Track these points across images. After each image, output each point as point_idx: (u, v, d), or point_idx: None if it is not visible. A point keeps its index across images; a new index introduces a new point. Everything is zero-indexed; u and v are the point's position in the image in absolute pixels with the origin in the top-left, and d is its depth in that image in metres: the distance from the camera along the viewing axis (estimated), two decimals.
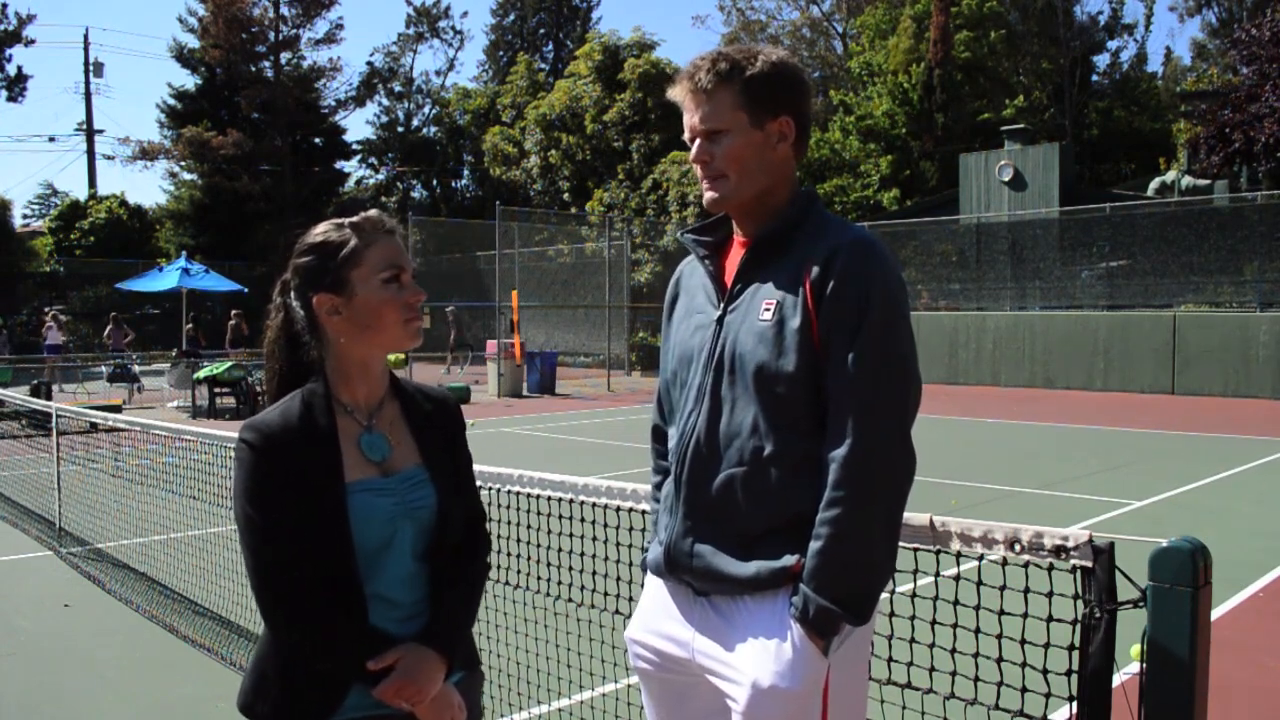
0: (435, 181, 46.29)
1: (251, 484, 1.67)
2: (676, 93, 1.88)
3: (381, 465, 1.76)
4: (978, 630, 2.04)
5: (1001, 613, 2.02)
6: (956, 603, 2.11)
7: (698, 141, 1.86)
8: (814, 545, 1.70)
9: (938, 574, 2.15)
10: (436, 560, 1.79)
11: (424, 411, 1.86)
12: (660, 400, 2.07)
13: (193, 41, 38.39)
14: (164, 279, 19.84)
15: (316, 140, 41.16)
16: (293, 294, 1.80)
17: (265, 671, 1.73)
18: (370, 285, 1.73)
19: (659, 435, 2.06)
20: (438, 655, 1.71)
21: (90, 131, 42.60)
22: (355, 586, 1.69)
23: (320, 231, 1.80)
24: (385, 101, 46.52)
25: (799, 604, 1.70)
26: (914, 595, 2.20)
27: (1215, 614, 4.72)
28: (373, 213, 1.81)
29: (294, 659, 1.70)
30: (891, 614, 2.17)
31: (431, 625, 1.75)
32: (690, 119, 1.86)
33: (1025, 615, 1.94)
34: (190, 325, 20.45)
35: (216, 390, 15.97)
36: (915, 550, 2.01)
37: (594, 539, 2.87)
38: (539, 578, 3.15)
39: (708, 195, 1.87)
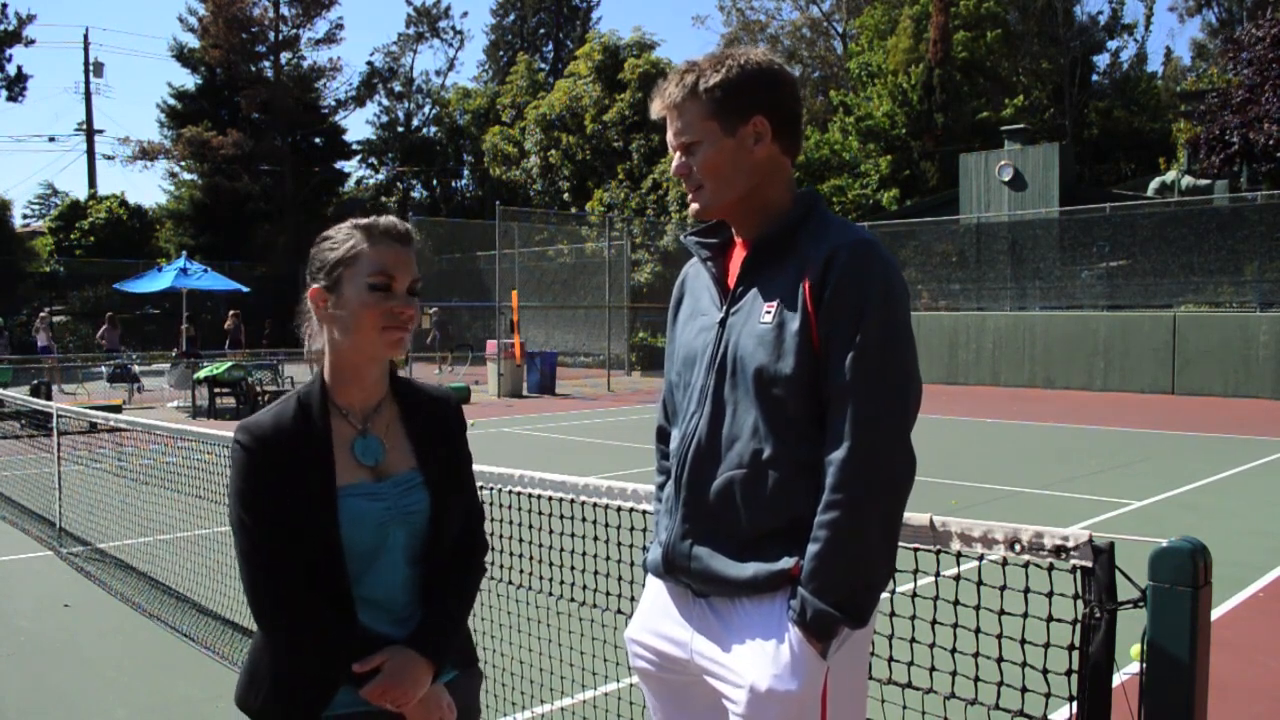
0: (435, 181, 46.29)
1: (243, 485, 1.68)
2: (655, 109, 1.89)
3: (374, 469, 1.76)
4: (978, 630, 2.04)
5: (1001, 613, 2.02)
6: (956, 603, 2.11)
7: (678, 154, 1.87)
8: (812, 548, 1.70)
9: (938, 574, 2.15)
10: (431, 563, 1.80)
11: (423, 413, 1.86)
12: (665, 402, 2.07)
13: (193, 41, 38.43)
14: (161, 279, 19.80)
15: (316, 140, 41.17)
16: (305, 286, 1.82)
17: (258, 667, 1.76)
18: (356, 287, 1.73)
19: (663, 436, 2.06)
20: (424, 659, 1.72)
21: (90, 131, 42.58)
22: (344, 590, 1.70)
23: (335, 228, 1.81)
24: (385, 101, 46.56)
25: (797, 607, 1.70)
26: (914, 595, 2.20)
27: (1215, 614, 4.72)
28: (387, 218, 1.80)
29: (285, 656, 1.72)
30: (891, 614, 2.17)
31: (420, 628, 1.76)
32: (668, 133, 1.88)
33: (1025, 615, 1.94)
34: (186, 325, 20.40)
35: (216, 390, 15.97)
36: (915, 550, 2.01)
37: (595, 539, 2.87)
38: (541, 578, 3.15)
39: (691, 207, 1.89)
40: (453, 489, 1.84)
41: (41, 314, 24.83)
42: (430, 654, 1.73)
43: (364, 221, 1.79)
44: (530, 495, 2.94)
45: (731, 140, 1.82)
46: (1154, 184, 24.40)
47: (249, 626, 4.74)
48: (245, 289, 21.02)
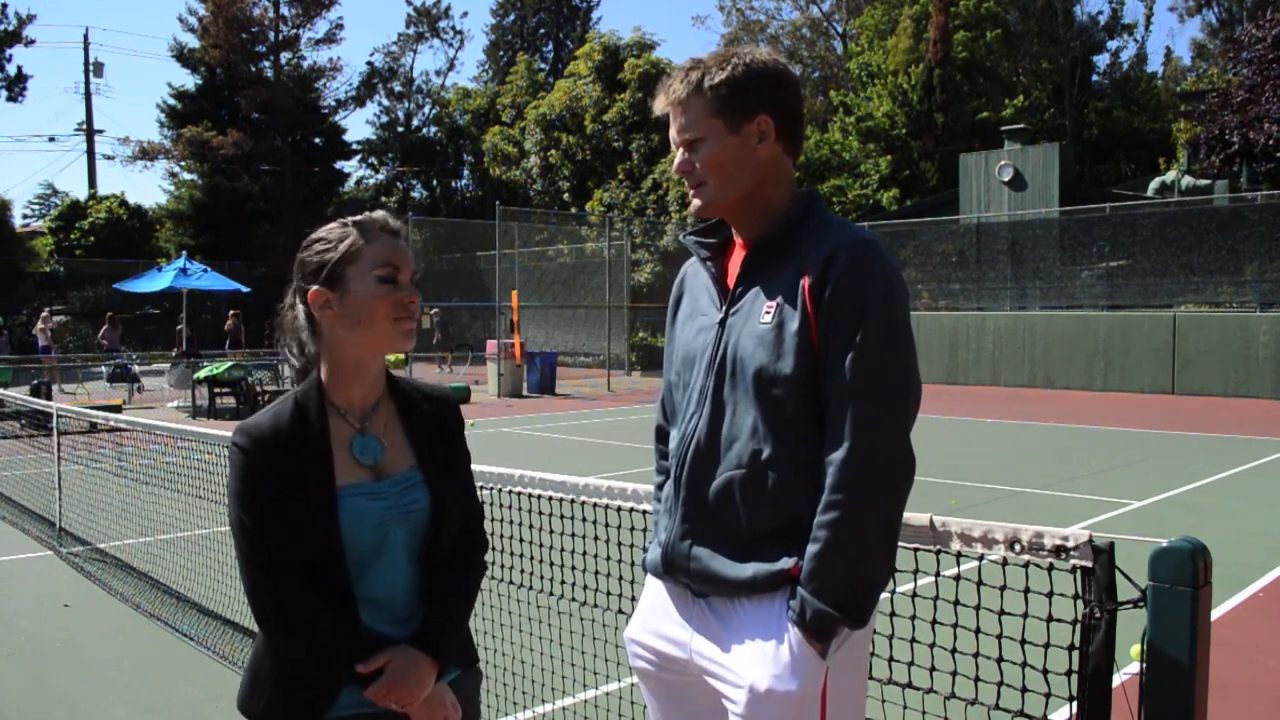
0: (435, 181, 46.28)
1: (242, 488, 1.68)
2: (658, 105, 1.89)
3: (373, 468, 1.76)
4: (978, 630, 2.04)
5: (1001, 613, 2.02)
6: (956, 603, 2.11)
7: (680, 151, 1.87)
8: (812, 548, 1.70)
9: (938, 574, 2.15)
10: (431, 561, 1.80)
11: (421, 412, 1.86)
12: (664, 402, 2.07)
13: (193, 41, 38.41)
14: (160, 279, 19.80)
15: (316, 140, 41.14)
16: (295, 290, 1.81)
17: (260, 671, 1.75)
18: (364, 281, 1.74)
19: (662, 436, 2.06)
20: (428, 658, 1.71)
21: (90, 131, 42.58)
22: (346, 590, 1.70)
23: (325, 228, 1.81)
24: (385, 101, 46.54)
25: (796, 607, 1.70)
26: (914, 595, 2.20)
27: (1215, 614, 4.72)
28: (379, 212, 1.81)
29: (288, 659, 1.71)
30: (891, 614, 2.17)
31: (423, 628, 1.75)
32: (671, 130, 1.88)
33: (1025, 615, 1.94)
34: (182, 326, 20.38)
35: (216, 390, 15.97)
36: (915, 550, 2.01)
37: (595, 539, 2.88)
38: (542, 577, 3.15)
39: (693, 204, 1.89)
40: (452, 487, 1.84)
41: (44, 314, 24.84)
42: (434, 652, 1.73)
43: (356, 218, 1.79)
44: (530, 495, 2.94)
45: (736, 138, 1.82)
46: (1154, 184, 24.39)
47: (250, 627, 4.73)
48: (245, 289, 21.00)
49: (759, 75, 1.82)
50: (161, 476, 6.86)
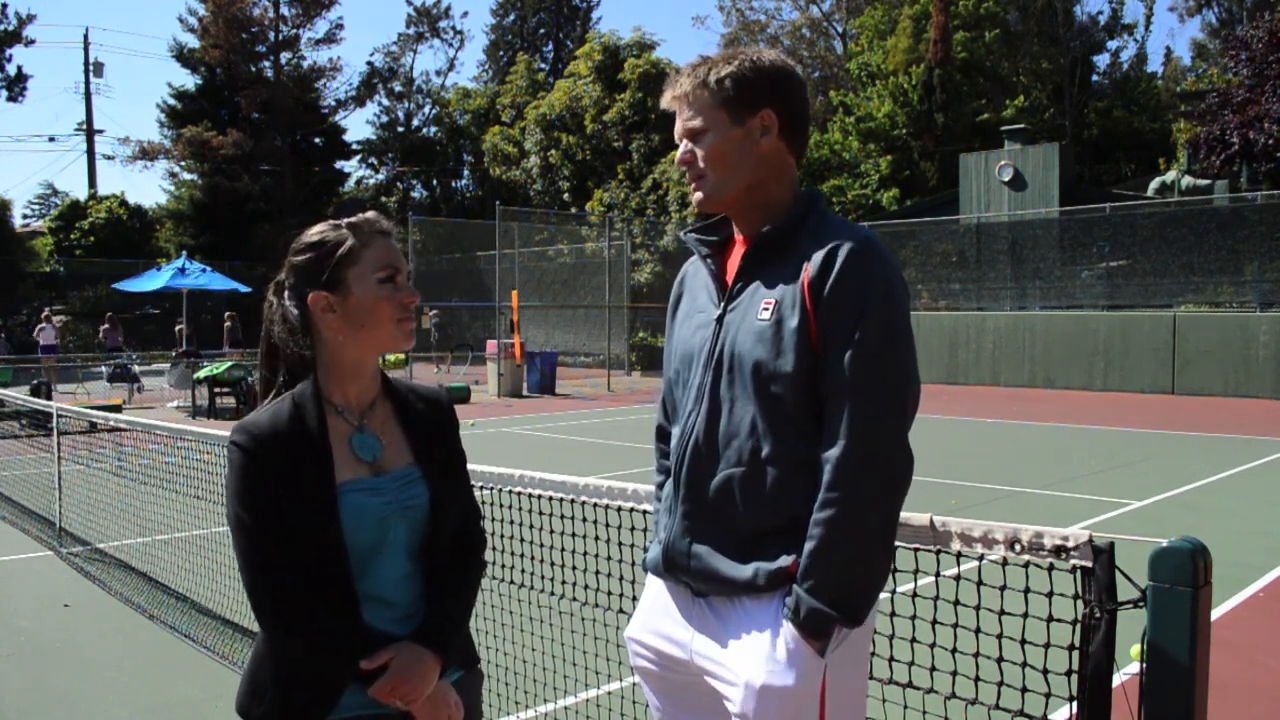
0: (435, 181, 46.29)
1: (242, 486, 1.68)
2: (665, 100, 1.92)
3: (373, 465, 1.77)
4: (978, 630, 2.04)
5: (1001, 613, 2.02)
6: (956, 603, 2.11)
7: (683, 144, 1.89)
8: (808, 546, 1.70)
9: (938, 574, 2.15)
10: (431, 559, 1.80)
11: (416, 411, 1.87)
12: (664, 400, 2.07)
13: (193, 41, 38.44)
14: (157, 279, 19.80)
15: (316, 140, 41.16)
16: (287, 294, 1.80)
17: (261, 673, 1.75)
18: (366, 284, 1.75)
19: (663, 435, 2.06)
20: (431, 654, 1.71)
21: (90, 131, 42.59)
22: (348, 587, 1.70)
23: (317, 231, 1.81)
24: (385, 101, 46.57)
25: (791, 604, 1.70)
26: (914, 595, 2.20)
27: (1215, 614, 4.72)
28: (370, 214, 1.83)
29: (289, 660, 1.71)
30: (892, 614, 2.17)
31: (425, 624, 1.75)
32: (676, 123, 1.90)
33: (1025, 615, 1.93)
34: (181, 326, 20.37)
35: (216, 390, 15.97)
36: (915, 550, 2.01)
37: (596, 539, 2.88)
38: (543, 577, 3.15)
39: (694, 197, 1.91)
40: (450, 485, 1.84)
41: (45, 312, 24.82)
42: (437, 648, 1.73)
43: (349, 220, 1.81)
44: (530, 495, 2.94)
45: (739, 130, 1.83)
46: (1154, 184, 24.40)
47: (249, 626, 4.73)
48: (243, 288, 21.00)
49: (764, 71, 1.84)
50: (161, 476, 6.86)
